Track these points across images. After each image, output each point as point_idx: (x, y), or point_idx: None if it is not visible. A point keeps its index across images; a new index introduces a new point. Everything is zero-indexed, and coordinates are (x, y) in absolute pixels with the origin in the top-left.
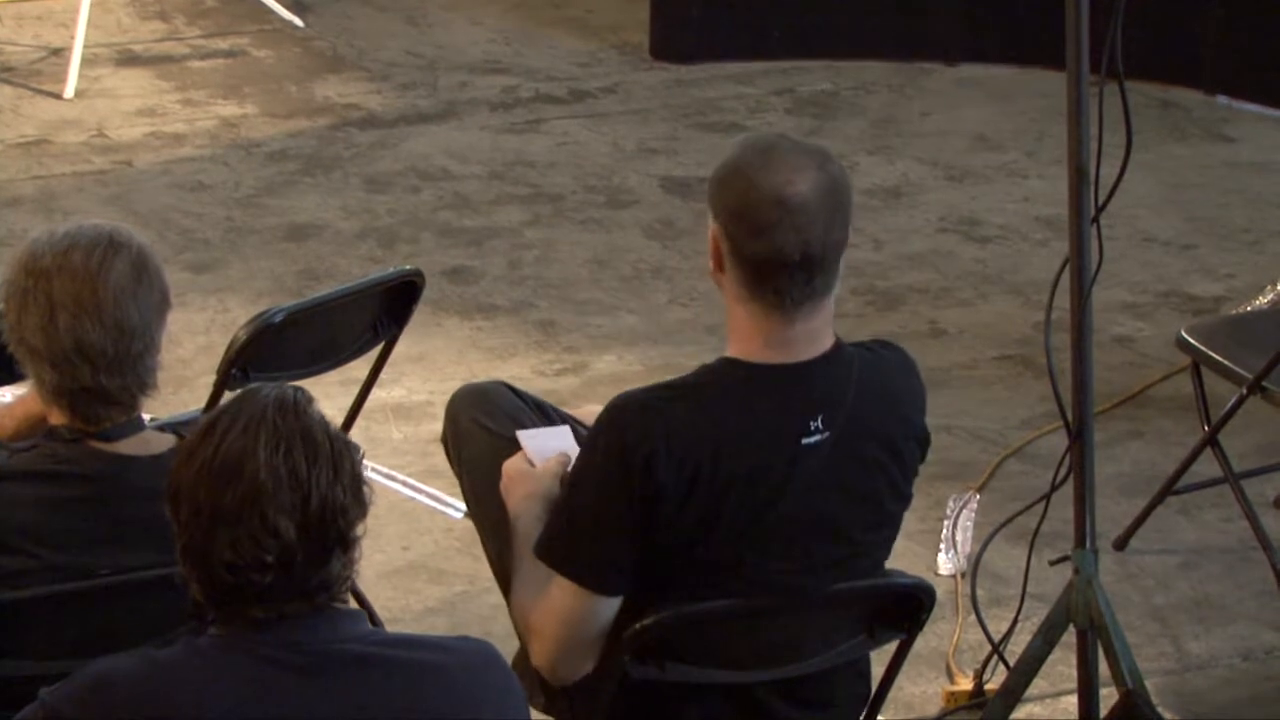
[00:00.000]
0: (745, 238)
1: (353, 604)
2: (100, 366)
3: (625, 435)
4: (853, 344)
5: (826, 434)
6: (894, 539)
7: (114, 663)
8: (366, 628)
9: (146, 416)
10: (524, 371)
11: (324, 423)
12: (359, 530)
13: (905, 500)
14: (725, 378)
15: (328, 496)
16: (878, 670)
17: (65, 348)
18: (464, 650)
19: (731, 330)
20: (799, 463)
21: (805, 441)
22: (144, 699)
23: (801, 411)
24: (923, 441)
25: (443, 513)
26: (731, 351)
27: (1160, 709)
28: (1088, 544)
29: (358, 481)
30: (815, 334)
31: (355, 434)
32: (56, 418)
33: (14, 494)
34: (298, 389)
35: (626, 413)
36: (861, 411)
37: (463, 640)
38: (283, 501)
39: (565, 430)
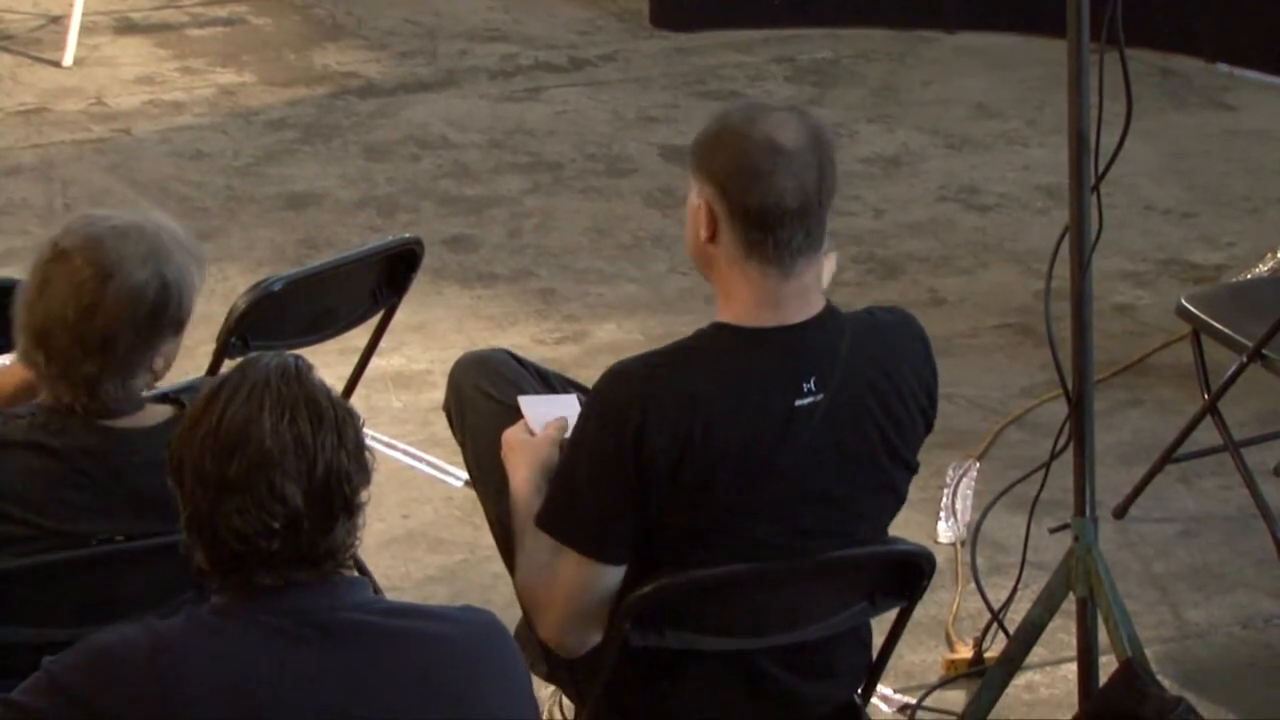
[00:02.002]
0: (744, 189)
1: (354, 572)
2: (100, 364)
3: (617, 405)
4: (856, 310)
5: (819, 396)
6: (897, 506)
7: (117, 634)
8: (370, 596)
9: None
10: (524, 340)
11: (326, 389)
12: (363, 496)
13: (907, 467)
14: (716, 342)
15: (333, 462)
16: (877, 641)
17: (66, 343)
18: (467, 620)
19: (723, 296)
20: (792, 426)
21: (798, 404)
22: (147, 670)
23: (793, 374)
24: (925, 407)
25: (443, 481)
26: (722, 316)
27: (1159, 677)
28: (1087, 512)
29: (361, 448)
30: (807, 292)
31: (355, 402)
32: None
33: (10, 462)
34: (297, 357)
35: (617, 383)
36: (855, 373)
37: (465, 610)
38: (289, 468)
39: (568, 397)
